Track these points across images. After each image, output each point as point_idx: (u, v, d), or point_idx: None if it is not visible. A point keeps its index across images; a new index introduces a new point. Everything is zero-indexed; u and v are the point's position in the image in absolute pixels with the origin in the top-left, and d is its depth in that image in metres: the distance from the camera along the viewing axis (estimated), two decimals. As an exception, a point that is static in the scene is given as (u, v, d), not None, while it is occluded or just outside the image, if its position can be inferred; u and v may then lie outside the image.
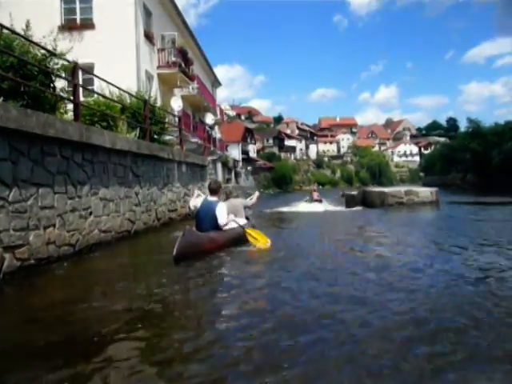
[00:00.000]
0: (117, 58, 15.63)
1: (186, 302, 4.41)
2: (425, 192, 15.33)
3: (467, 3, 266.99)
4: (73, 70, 7.38)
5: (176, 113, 15.98)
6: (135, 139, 9.59)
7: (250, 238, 7.21)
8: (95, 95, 10.34)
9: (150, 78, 19.20)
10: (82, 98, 8.49)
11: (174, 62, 21.05)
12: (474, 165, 50.83)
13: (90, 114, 9.74)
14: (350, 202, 19.82)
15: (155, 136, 12.51)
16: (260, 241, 7.16)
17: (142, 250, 7.81)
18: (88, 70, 11.21)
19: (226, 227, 7.10)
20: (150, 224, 9.79)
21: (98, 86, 10.66)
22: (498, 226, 10.28)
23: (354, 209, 17.42)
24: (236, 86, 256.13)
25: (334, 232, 10.31)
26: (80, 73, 7.73)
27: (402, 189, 15.75)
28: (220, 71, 43.74)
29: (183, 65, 22.27)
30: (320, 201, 23.65)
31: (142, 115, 11.03)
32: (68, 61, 7.41)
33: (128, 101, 11.75)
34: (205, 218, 6.96)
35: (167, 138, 14.14)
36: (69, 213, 6.37)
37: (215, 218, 6.93)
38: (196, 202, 7.31)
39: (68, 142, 6.38)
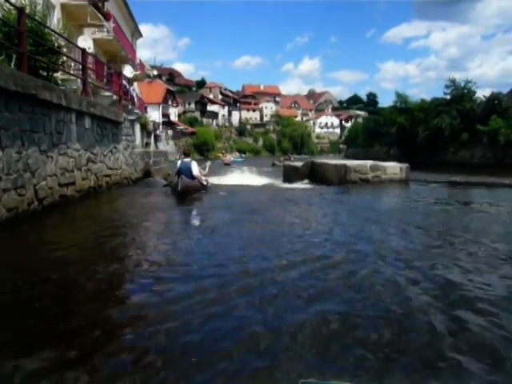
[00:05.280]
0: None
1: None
2: (394, 168, 12.62)
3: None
4: None
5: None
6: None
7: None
8: None
9: (50, 7, 14.52)
10: None
11: (84, -9, 16.46)
12: (399, 139, 50.82)
13: None
14: (291, 175, 16.73)
15: (43, 72, 8.43)
16: None
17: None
18: None
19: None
20: (23, 209, 5.94)
21: None
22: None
23: (299, 185, 14.16)
24: (159, 48, 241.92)
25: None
26: None
27: (367, 163, 12.89)
28: (143, 30, 38.93)
29: (95, -4, 17.58)
30: (229, 164, 28.68)
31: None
32: None
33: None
34: (184, 172, 9.98)
35: (65, 79, 10.06)
36: None
37: (190, 172, 10.23)
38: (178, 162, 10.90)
39: None
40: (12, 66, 7.25)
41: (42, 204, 6.57)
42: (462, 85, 44.98)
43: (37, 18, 8.33)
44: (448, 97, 46.03)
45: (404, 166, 12.93)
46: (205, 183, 11.03)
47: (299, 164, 16.80)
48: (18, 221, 5.69)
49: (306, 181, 15.18)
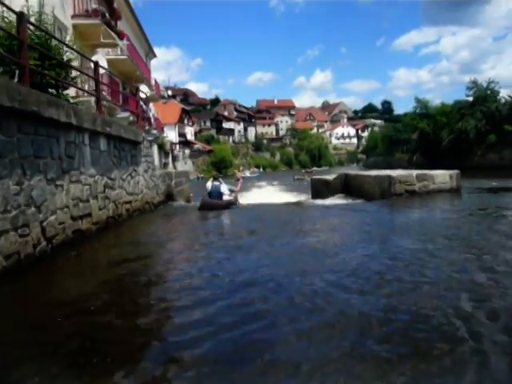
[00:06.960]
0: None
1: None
2: (443, 176, 11.23)
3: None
4: None
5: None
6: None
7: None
8: None
9: (62, 29, 13.77)
10: None
11: (96, 10, 15.79)
12: (421, 145, 49.30)
13: None
14: (321, 190, 15.30)
15: (51, 90, 7.41)
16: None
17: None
18: None
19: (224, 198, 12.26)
20: (27, 252, 4.82)
21: None
22: None
23: (334, 201, 12.71)
24: (173, 69, 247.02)
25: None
26: None
27: (412, 172, 11.54)
28: (157, 53, 39.32)
29: (107, 15, 16.82)
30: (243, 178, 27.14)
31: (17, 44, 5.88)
32: None
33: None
34: (214, 193, 12.25)
35: (79, 98, 9.07)
36: None
37: (219, 193, 12.21)
38: (208, 184, 12.77)
39: None
40: (15, 82, 6.25)
41: (52, 243, 5.43)
42: (485, 85, 43.37)
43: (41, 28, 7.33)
44: (470, 99, 44.44)
45: (454, 173, 11.52)
46: (233, 199, 12.63)
47: (330, 177, 15.45)
48: (20, 268, 4.56)
49: (340, 195, 13.90)
